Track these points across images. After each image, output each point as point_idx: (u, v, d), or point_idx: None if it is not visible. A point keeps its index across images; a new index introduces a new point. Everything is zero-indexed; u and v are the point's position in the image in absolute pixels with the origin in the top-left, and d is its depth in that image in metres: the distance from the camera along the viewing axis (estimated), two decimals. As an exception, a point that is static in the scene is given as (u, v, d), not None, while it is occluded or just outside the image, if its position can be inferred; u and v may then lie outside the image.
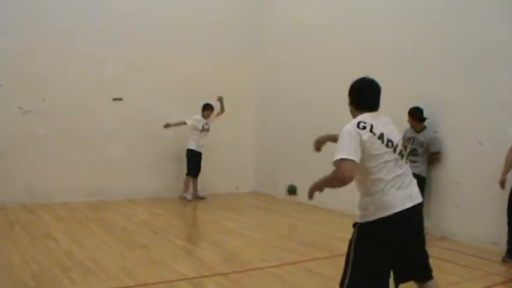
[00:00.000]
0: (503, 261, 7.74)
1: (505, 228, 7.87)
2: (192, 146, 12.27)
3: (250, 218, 11.32)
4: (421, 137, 9.36)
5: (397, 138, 4.46)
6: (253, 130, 14.12)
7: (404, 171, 4.44)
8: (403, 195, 4.29)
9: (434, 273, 7.32)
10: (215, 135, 12.60)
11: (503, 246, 8.05)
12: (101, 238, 8.84)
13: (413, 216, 4.36)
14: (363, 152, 4.25)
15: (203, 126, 12.34)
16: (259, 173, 14.12)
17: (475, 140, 8.79)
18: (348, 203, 11.04)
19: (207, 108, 12.44)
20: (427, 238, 9.19)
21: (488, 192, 8.46)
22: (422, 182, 9.34)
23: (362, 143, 4.25)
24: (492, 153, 8.23)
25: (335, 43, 11.65)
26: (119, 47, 11.91)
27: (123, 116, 11.97)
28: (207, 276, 6.80)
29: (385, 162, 4.31)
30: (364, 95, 4.73)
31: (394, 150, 4.38)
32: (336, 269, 7.29)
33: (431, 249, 8.63)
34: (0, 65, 10.81)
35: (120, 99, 11.86)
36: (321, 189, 4.76)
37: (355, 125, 4.37)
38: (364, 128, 4.33)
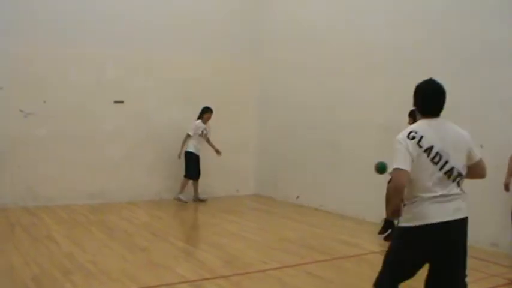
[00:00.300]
0: None
1: (505, 229, 7.87)
2: (191, 149, 12.24)
3: (251, 220, 11.33)
4: None
5: (451, 155, 4.32)
6: (253, 132, 14.12)
7: (447, 192, 4.27)
8: (441, 209, 4.22)
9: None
10: (215, 137, 12.60)
11: (503, 248, 8.06)
12: (102, 241, 8.85)
13: (450, 230, 4.27)
14: (412, 161, 4.19)
15: (202, 132, 12.34)
16: (260, 175, 14.13)
17: (476, 141, 8.78)
18: (348, 206, 11.13)
19: (207, 111, 12.37)
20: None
21: (488, 193, 8.46)
22: None
23: (410, 153, 4.20)
24: (492, 154, 8.22)
25: (335, 43, 11.65)
26: (119, 48, 11.93)
27: (124, 118, 11.98)
28: (208, 278, 6.80)
29: (427, 178, 4.22)
30: (425, 99, 4.61)
31: (441, 168, 4.25)
32: (335, 272, 7.33)
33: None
34: (1, 67, 10.84)
35: (122, 102, 11.88)
36: (392, 212, 4.34)
37: (406, 135, 4.31)
38: (413, 138, 4.27)
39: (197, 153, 12.35)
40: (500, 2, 8.70)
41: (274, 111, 13.62)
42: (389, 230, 9.29)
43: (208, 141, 12.54)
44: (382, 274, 4.50)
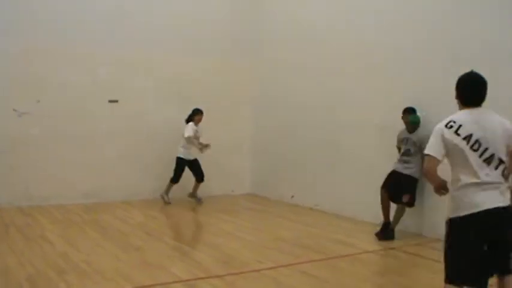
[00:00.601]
0: None
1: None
2: (181, 154, 11.99)
3: (246, 220, 11.33)
4: (414, 137, 9.37)
5: (491, 142, 4.48)
6: (249, 132, 14.12)
7: (488, 179, 4.45)
8: (483, 197, 4.43)
9: (428, 275, 7.38)
10: (212, 137, 12.61)
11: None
12: (96, 240, 8.84)
13: (492, 217, 4.43)
14: (447, 150, 4.56)
15: (195, 135, 12.04)
16: (255, 175, 14.14)
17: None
18: (343, 206, 11.14)
19: (197, 113, 12.09)
20: (421, 240, 9.27)
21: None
22: (413, 184, 9.37)
23: (444, 141, 4.53)
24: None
25: (334, 43, 11.64)
26: (115, 47, 11.92)
27: (120, 118, 11.97)
28: (202, 278, 6.81)
29: (467, 164, 4.49)
30: (466, 90, 4.83)
31: (481, 155, 4.46)
32: (330, 271, 7.34)
33: (426, 251, 8.70)
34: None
35: (116, 101, 11.86)
36: (437, 186, 4.89)
37: (444, 124, 4.59)
38: (451, 127, 4.53)
39: (187, 158, 12.07)
40: (500, 2, 8.71)
41: (269, 111, 13.63)
42: (385, 230, 9.37)
43: (197, 139, 12.16)
44: (448, 269, 4.77)
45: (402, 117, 9.51)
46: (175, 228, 10.41)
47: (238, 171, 13.95)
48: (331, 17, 11.90)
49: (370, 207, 10.48)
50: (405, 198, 9.30)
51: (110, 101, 11.89)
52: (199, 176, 12.23)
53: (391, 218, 9.45)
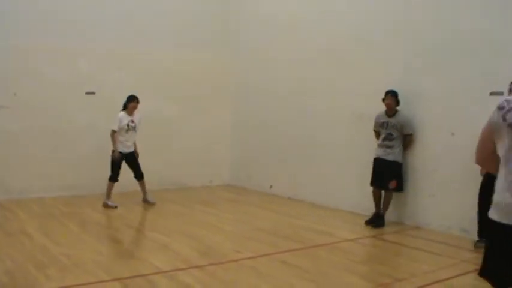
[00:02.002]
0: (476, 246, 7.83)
1: (475, 216, 7.98)
2: (119, 148, 10.82)
3: (225, 210, 11.34)
4: (394, 120, 9.43)
5: None
6: (227, 122, 14.10)
7: None
8: None
9: (408, 263, 7.46)
10: (190, 128, 12.60)
11: (473, 234, 8.17)
12: (75, 233, 8.80)
13: None
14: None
15: (128, 125, 10.84)
16: (233, 165, 14.14)
17: (448, 130, 8.90)
18: (321, 195, 11.19)
19: (132, 100, 10.88)
20: (401, 227, 9.36)
21: (460, 181, 8.59)
22: (399, 168, 9.46)
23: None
24: (464, 143, 8.31)
25: (309, 34, 11.68)
26: (92, 41, 11.82)
27: (98, 111, 11.88)
28: (182, 269, 6.81)
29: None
30: None
31: None
32: (310, 260, 7.38)
33: (405, 238, 8.79)
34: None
35: (93, 93, 11.79)
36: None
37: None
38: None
39: (125, 152, 10.94)
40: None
41: (247, 102, 13.64)
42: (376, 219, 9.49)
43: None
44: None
45: (383, 100, 9.54)
46: (154, 220, 10.38)
47: (216, 162, 13.95)
48: (304, 8, 11.96)
49: (348, 196, 10.58)
50: (392, 185, 9.39)
51: (87, 93, 11.81)
52: (136, 173, 11.15)
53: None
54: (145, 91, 12.29)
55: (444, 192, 9.02)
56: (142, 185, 11.26)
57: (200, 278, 6.52)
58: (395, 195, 9.55)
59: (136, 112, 10.97)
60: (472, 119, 8.46)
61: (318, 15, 11.52)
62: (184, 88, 12.92)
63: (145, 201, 11.29)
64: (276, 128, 12.60)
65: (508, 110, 3.45)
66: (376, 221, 9.43)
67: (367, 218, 9.58)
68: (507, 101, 3.53)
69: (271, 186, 12.69)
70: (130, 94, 10.93)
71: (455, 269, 7.00)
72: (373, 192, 9.62)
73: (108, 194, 10.85)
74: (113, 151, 10.74)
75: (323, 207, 10.96)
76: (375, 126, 9.74)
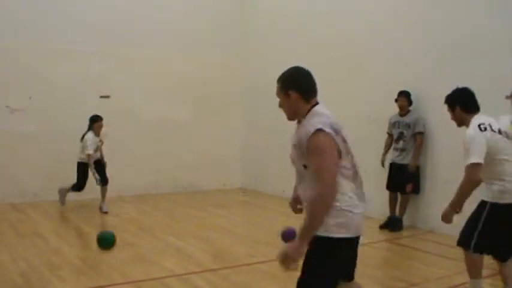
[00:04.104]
0: None
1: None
2: (80, 159, 10.64)
3: (238, 214, 11.35)
4: (406, 119, 9.41)
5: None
6: (241, 125, 14.08)
7: None
8: None
9: (422, 268, 7.40)
10: (202, 131, 12.62)
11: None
12: (89, 236, 8.83)
13: None
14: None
15: (97, 147, 10.73)
16: (247, 168, 14.11)
17: (463, 133, 8.84)
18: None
19: (96, 120, 10.68)
20: (414, 232, 9.30)
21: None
22: (415, 172, 9.43)
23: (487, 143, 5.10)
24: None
25: (320, 35, 11.64)
26: (105, 44, 11.91)
27: (111, 113, 11.90)
28: (196, 272, 6.82)
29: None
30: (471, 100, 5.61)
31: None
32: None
33: (419, 242, 8.73)
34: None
35: (108, 96, 11.83)
36: (459, 207, 5.32)
37: (477, 129, 5.20)
38: (485, 129, 5.18)
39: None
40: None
41: (260, 104, 13.59)
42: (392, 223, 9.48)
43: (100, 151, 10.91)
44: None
45: (396, 100, 9.51)
46: (167, 223, 10.38)
47: (229, 165, 13.93)
48: (315, 9, 11.89)
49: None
50: (408, 189, 9.36)
51: (102, 97, 11.85)
52: (101, 178, 10.70)
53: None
54: (157, 94, 12.39)
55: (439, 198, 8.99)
56: (104, 191, 10.83)
57: (213, 281, 6.52)
58: (406, 198, 9.51)
59: (102, 131, 10.75)
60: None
61: (330, 18, 11.46)
62: (197, 91, 12.96)
63: (102, 211, 10.78)
64: (288, 131, 12.52)
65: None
66: (393, 224, 9.40)
67: (381, 222, 9.55)
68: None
69: (283, 190, 12.65)
70: (92, 114, 10.73)
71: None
72: (389, 196, 9.59)
73: (62, 199, 10.77)
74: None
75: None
76: (388, 128, 9.72)
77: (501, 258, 5.45)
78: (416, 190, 9.50)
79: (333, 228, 3.71)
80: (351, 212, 3.76)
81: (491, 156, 5.09)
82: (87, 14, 11.75)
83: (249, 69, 13.87)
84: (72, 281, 6.43)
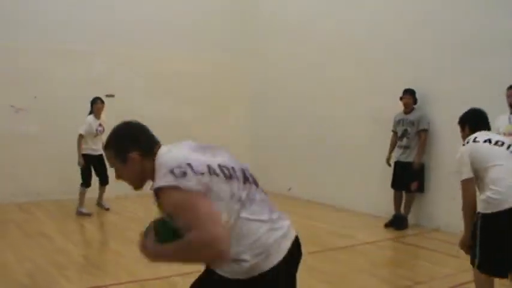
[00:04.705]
0: None
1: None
2: (86, 150, 10.32)
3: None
4: (411, 116, 9.40)
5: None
6: (247, 127, 14.07)
7: None
8: None
9: (428, 266, 7.40)
10: (207, 131, 12.59)
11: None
12: (94, 235, 8.85)
13: None
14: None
15: (97, 130, 10.42)
16: (253, 168, 13.99)
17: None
18: (340, 197, 11.14)
19: (95, 101, 10.51)
20: (419, 230, 9.30)
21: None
22: (419, 169, 9.42)
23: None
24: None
25: (328, 35, 11.64)
26: (108, 44, 11.92)
27: (113, 113, 11.88)
28: (202, 271, 6.80)
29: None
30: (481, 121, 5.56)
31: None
32: (329, 263, 7.35)
33: (424, 241, 8.72)
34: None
35: (113, 95, 11.82)
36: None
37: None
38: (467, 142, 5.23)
39: (92, 154, 10.40)
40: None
41: (265, 104, 13.62)
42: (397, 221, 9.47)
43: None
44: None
45: (401, 98, 9.51)
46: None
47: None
48: (322, 8, 11.88)
49: (367, 199, 10.53)
50: (413, 187, 9.36)
51: (107, 96, 11.83)
52: (101, 178, 10.58)
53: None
54: (163, 94, 12.38)
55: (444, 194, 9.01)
56: (103, 191, 10.79)
57: (219, 280, 6.51)
58: (411, 197, 9.51)
59: (102, 114, 10.56)
60: (491, 119, 8.42)
61: (337, 18, 11.46)
62: (202, 91, 12.95)
63: (99, 204, 10.87)
64: (294, 130, 12.56)
65: None
66: (398, 223, 9.39)
67: (385, 220, 9.55)
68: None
69: (289, 189, 12.65)
70: (94, 96, 10.63)
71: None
72: (394, 194, 9.58)
73: (81, 201, 10.36)
74: (79, 160, 10.22)
75: (342, 209, 10.92)
76: (393, 126, 9.71)
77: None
78: (421, 188, 9.50)
79: None
80: None
81: (476, 166, 5.03)
82: (89, 14, 11.76)
83: (256, 70, 13.87)
84: (78, 280, 6.44)
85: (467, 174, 4.97)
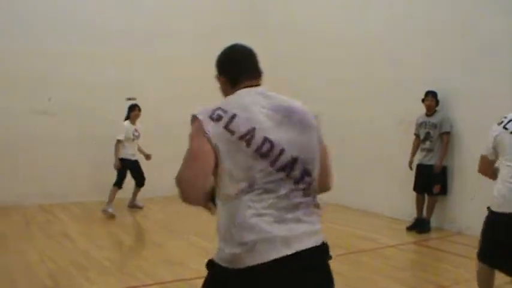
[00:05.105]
0: None
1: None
2: (125, 155, 10.73)
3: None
4: (433, 119, 9.35)
5: None
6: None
7: None
8: None
9: (451, 270, 7.34)
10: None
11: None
12: (117, 237, 8.88)
13: None
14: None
15: (133, 134, 10.85)
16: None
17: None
18: (364, 200, 11.08)
19: (133, 109, 10.95)
20: (442, 233, 9.23)
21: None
22: (442, 172, 9.35)
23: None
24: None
25: (340, 33, 11.58)
26: (127, 46, 11.96)
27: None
28: (223, 274, 6.81)
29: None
30: None
31: None
32: (353, 266, 7.32)
33: (447, 244, 8.66)
34: (14, 66, 10.91)
35: (134, 98, 11.86)
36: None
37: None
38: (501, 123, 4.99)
39: (130, 159, 10.85)
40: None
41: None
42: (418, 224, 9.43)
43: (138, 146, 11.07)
44: None
45: (423, 100, 9.45)
46: (195, 225, 10.37)
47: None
48: (343, 8, 11.81)
49: (390, 202, 10.47)
50: (436, 190, 9.30)
51: (128, 99, 11.87)
52: (138, 180, 11.11)
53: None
54: (179, 97, 12.37)
55: (486, 196, 8.87)
56: (138, 191, 11.19)
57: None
58: (433, 200, 9.45)
59: (138, 121, 10.98)
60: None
61: (356, 13, 11.37)
62: (217, 93, 12.94)
63: (132, 206, 11.20)
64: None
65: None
66: (421, 226, 9.34)
67: (407, 223, 9.50)
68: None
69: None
70: (131, 103, 11.06)
71: (498, 276, 6.87)
72: (417, 197, 9.53)
73: (110, 200, 10.53)
74: (116, 163, 10.60)
75: (362, 212, 10.87)
76: (416, 128, 9.66)
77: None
78: (444, 191, 9.43)
79: None
80: None
81: (497, 155, 4.96)
82: (110, 18, 11.83)
83: (275, 71, 13.79)
84: (100, 282, 6.47)
85: (485, 151, 5.16)
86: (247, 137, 2.77)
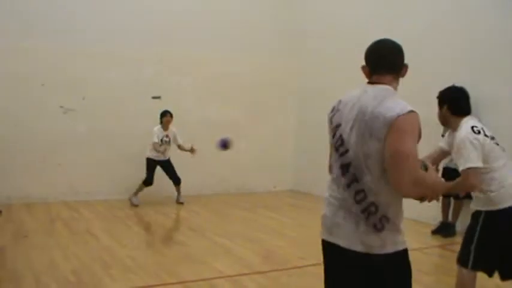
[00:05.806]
0: None
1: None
2: (151, 156, 11.30)
3: (289, 216, 11.28)
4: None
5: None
6: (291, 128, 14.01)
7: None
8: None
9: (477, 274, 7.22)
10: (254, 133, 12.59)
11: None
12: (140, 235, 8.91)
13: None
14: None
15: (162, 140, 11.32)
16: (297, 171, 14.03)
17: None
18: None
19: (164, 115, 11.39)
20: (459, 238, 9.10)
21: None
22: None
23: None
24: None
25: (378, 36, 11.50)
26: (157, 46, 11.97)
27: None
28: (246, 274, 6.80)
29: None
30: (461, 102, 5.37)
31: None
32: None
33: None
34: (42, 65, 11.00)
35: (159, 97, 11.90)
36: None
37: (471, 132, 4.95)
38: (479, 132, 4.94)
39: (159, 159, 11.36)
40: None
41: (312, 107, 13.51)
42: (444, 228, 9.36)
43: (179, 147, 11.55)
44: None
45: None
46: (218, 224, 10.40)
47: (280, 167, 13.84)
48: (373, 10, 11.75)
49: (415, 205, 10.30)
50: (462, 193, 9.20)
51: (153, 97, 11.92)
52: (172, 179, 11.58)
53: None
54: (210, 96, 12.39)
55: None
56: (178, 189, 11.68)
57: (263, 283, 6.50)
58: (459, 204, 9.36)
59: (171, 126, 11.45)
60: None
61: (389, 18, 11.33)
62: (249, 93, 12.93)
63: (177, 202, 11.65)
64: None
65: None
66: (446, 230, 9.25)
67: (432, 227, 9.42)
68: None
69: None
70: (163, 109, 11.48)
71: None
72: (442, 201, 9.44)
73: (136, 192, 11.24)
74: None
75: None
76: (443, 130, 9.56)
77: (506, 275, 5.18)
78: (470, 195, 9.31)
79: None
80: None
81: (485, 163, 4.88)
82: (140, 17, 11.85)
83: (304, 72, 13.76)
84: (122, 279, 6.48)
85: (476, 162, 5.09)
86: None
